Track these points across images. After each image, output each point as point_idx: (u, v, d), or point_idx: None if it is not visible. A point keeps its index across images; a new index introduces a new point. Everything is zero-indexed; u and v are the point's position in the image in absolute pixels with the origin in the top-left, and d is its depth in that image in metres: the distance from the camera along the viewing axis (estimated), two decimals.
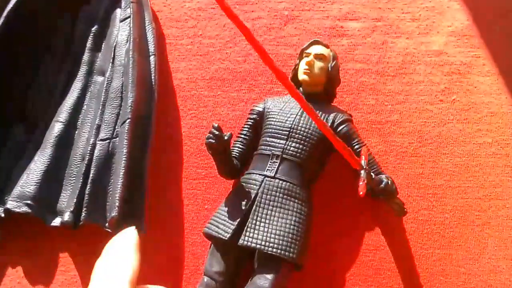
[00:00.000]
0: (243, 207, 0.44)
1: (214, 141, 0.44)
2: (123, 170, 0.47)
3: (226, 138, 0.44)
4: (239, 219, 0.44)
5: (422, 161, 0.50)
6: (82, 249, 0.50)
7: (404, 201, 0.48)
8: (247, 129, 0.49)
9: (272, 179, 0.44)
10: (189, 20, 0.57)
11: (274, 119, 0.47)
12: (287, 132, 0.45)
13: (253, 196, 0.44)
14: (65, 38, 0.56)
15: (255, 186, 0.45)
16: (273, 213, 0.43)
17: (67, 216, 0.48)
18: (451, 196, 0.49)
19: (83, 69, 0.54)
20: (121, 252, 0.37)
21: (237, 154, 0.48)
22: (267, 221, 0.43)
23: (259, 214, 0.43)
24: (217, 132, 0.44)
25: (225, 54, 0.55)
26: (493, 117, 0.51)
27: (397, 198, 0.43)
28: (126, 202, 0.47)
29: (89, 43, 0.55)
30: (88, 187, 0.48)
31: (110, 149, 0.49)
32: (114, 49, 0.53)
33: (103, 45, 0.56)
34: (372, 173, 0.43)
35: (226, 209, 0.45)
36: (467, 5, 0.54)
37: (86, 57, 0.55)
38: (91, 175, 0.48)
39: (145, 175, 0.48)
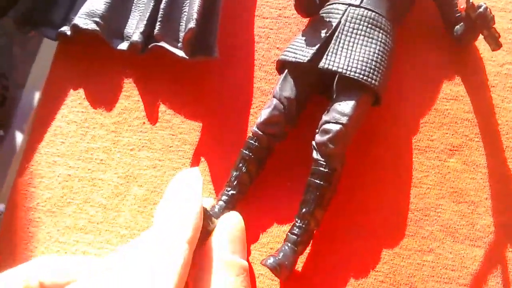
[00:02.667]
0: (324, 34, 0.42)
1: None
2: None
3: None
4: (319, 45, 0.42)
5: None
6: (147, 76, 0.49)
7: (488, 55, 0.46)
8: None
9: (357, 8, 0.42)
10: None
11: None
12: None
13: (335, 24, 0.42)
14: None
15: (337, 15, 0.42)
16: (356, 40, 0.41)
17: (136, 36, 0.46)
18: None
19: None
20: (186, 195, 0.33)
21: None
22: (349, 47, 0.41)
23: (341, 41, 0.41)
24: None
25: None
26: None
27: (492, 28, 0.40)
28: (201, 23, 0.45)
29: None
30: (163, 1, 0.46)
31: None
32: None
33: None
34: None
35: (304, 38, 0.43)
36: None
37: None
38: None
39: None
